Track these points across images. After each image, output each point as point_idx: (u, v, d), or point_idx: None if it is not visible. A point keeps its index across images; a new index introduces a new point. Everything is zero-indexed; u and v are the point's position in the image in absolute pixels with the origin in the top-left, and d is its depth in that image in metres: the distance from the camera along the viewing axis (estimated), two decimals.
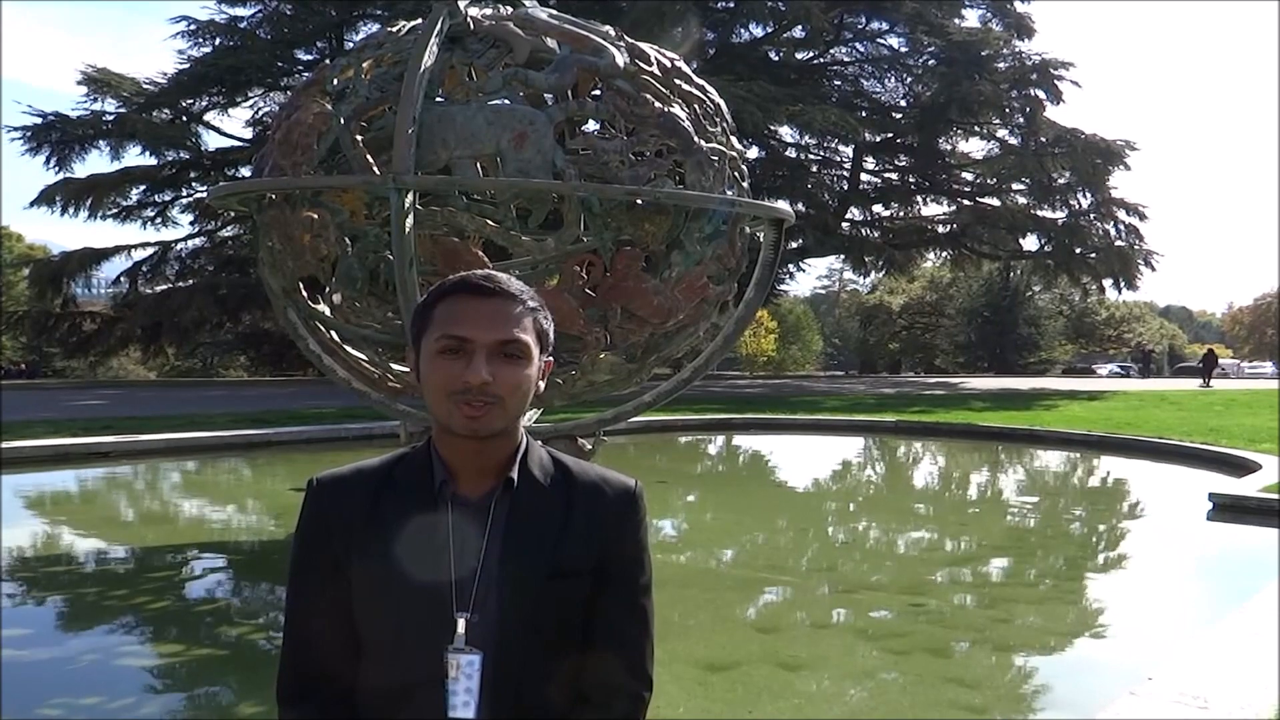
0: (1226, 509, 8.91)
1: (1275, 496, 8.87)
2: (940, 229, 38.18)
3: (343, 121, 6.23)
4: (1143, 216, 35.13)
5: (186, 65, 30.71)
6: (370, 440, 13.13)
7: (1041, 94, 32.61)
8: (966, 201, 36.58)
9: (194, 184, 32.38)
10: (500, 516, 1.47)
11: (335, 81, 6.56)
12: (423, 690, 1.41)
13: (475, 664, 1.40)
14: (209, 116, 32.22)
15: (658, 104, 6.21)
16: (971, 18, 34.59)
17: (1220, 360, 41.72)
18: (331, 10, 30.81)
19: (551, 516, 1.48)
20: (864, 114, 33.10)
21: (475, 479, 1.48)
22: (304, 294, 6.86)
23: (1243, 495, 9.11)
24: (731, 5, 33.00)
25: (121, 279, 34.61)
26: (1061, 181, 34.14)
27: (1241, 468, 11.16)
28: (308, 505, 1.51)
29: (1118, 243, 35.06)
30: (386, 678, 1.44)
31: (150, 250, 33.61)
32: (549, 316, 1.52)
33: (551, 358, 1.54)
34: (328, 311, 6.92)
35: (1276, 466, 10.58)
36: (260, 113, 31.81)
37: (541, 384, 1.50)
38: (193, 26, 31.02)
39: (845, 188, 35.95)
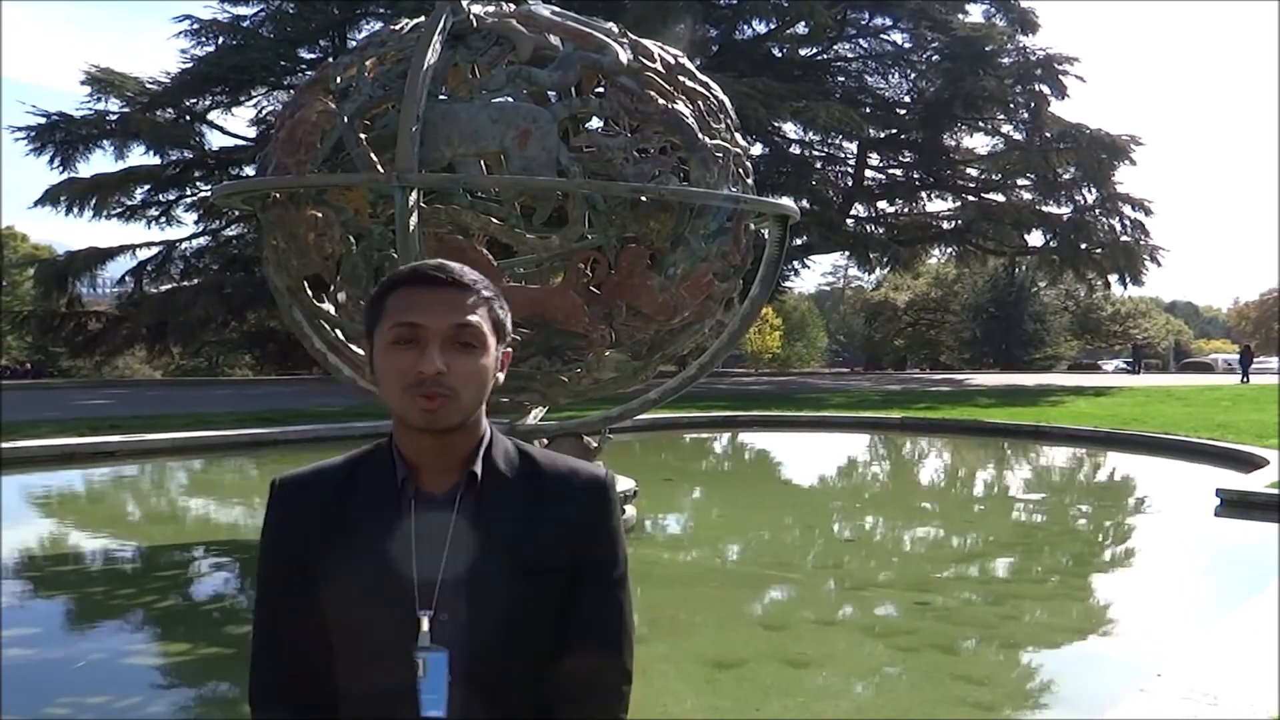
0: (1234, 505, 8.87)
1: None
2: (945, 225, 38.13)
3: (346, 120, 6.23)
4: (1148, 212, 35.05)
5: (190, 64, 30.76)
6: (375, 438, 13.10)
7: (1046, 89, 32.53)
8: (971, 197, 36.51)
9: (198, 183, 32.43)
10: (465, 513, 1.42)
11: (339, 80, 6.56)
12: (396, 693, 1.37)
13: (442, 661, 1.37)
14: (213, 116, 32.30)
15: (661, 101, 6.21)
16: (975, 13, 34.55)
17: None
18: (334, 8, 30.82)
19: (519, 511, 1.44)
20: (868, 110, 33.05)
21: (438, 475, 1.44)
22: (309, 292, 6.86)
23: (1250, 491, 9.07)
24: (735, 2, 32.96)
25: (126, 278, 34.70)
26: (1066, 177, 34.07)
27: (1249, 463, 11.11)
28: (271, 508, 1.48)
29: (1123, 238, 34.95)
30: (360, 680, 1.40)
31: (155, 249, 33.69)
32: (505, 306, 1.47)
33: (510, 348, 1.50)
34: (332, 310, 6.92)
35: None
36: (264, 112, 31.86)
37: (500, 376, 1.46)
38: (196, 26, 31.06)
39: (850, 184, 35.92)
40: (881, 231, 38.16)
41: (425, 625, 1.37)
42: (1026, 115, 32.94)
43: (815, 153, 35.56)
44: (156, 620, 5.58)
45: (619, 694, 1.49)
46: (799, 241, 32.30)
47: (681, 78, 6.52)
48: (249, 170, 28.80)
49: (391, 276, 1.44)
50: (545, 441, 6.68)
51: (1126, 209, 34.92)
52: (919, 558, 7.60)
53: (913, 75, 34.76)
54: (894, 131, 35.18)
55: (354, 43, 26.77)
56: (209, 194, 27.50)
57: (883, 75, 35.23)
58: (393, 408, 1.43)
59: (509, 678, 1.40)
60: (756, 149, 30.14)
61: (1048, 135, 32.77)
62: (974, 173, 36.77)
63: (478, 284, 1.43)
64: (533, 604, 1.41)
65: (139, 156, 31.48)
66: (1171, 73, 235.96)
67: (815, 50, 35.03)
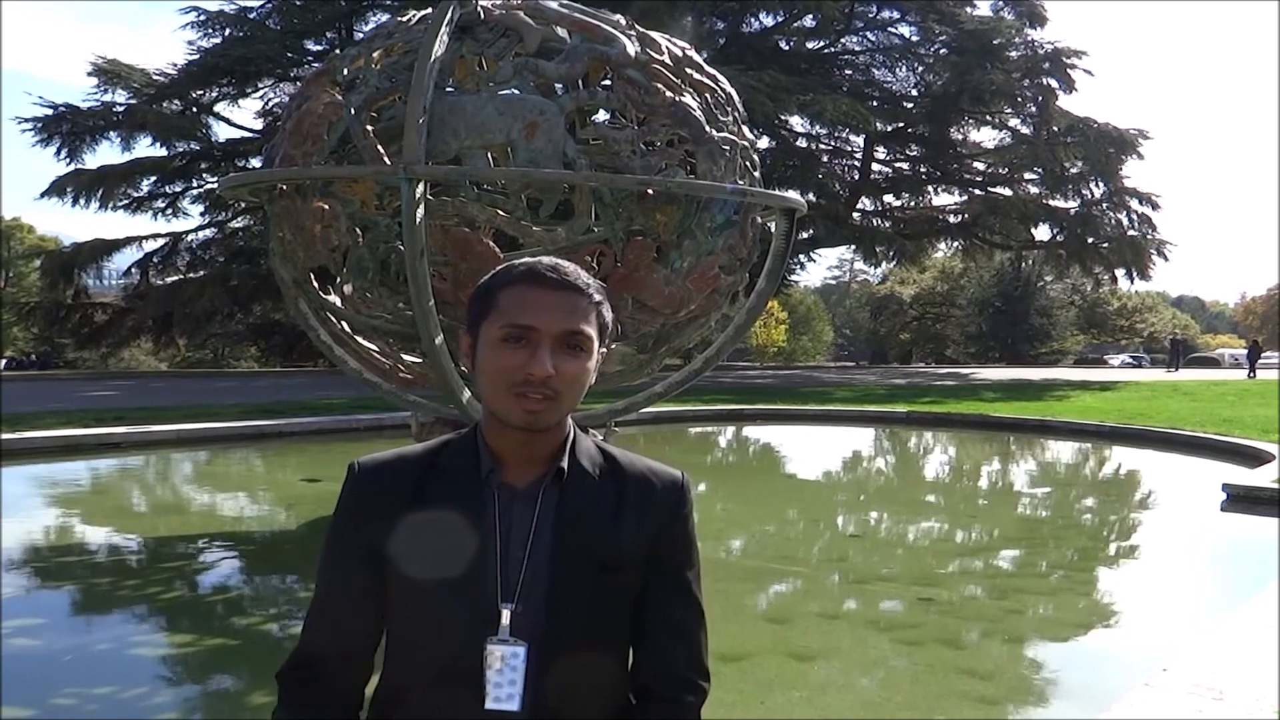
0: (1240, 500, 8.86)
1: None
2: (951, 219, 38.01)
3: (353, 111, 6.22)
4: (1155, 206, 34.93)
5: (196, 56, 30.76)
6: (381, 431, 13.15)
7: (1054, 83, 32.38)
8: (978, 191, 36.36)
9: (204, 175, 32.42)
10: (549, 506, 1.44)
11: (345, 71, 6.55)
12: (459, 683, 1.37)
13: (520, 656, 1.38)
14: (219, 107, 32.27)
15: (669, 93, 6.19)
16: (983, 6, 34.61)
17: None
18: (341, 0, 30.79)
19: (603, 507, 1.46)
20: (875, 103, 32.91)
21: (524, 467, 1.46)
22: (315, 285, 6.87)
23: (1256, 486, 9.06)
24: None
25: (132, 270, 34.71)
26: (1074, 171, 33.95)
27: (1255, 458, 11.10)
28: (348, 489, 1.48)
29: (1130, 232, 34.85)
30: (421, 670, 1.40)
31: (161, 241, 33.71)
32: (610, 308, 1.49)
33: (606, 349, 1.52)
34: (339, 302, 6.93)
35: None
36: (270, 103, 31.85)
37: (593, 377, 1.48)
38: (202, 17, 31.04)
39: (856, 178, 35.81)
40: (888, 225, 38.04)
41: (506, 618, 1.39)
42: (1034, 109, 32.82)
43: (822, 146, 35.45)
44: (161, 611, 5.59)
45: (702, 691, 1.52)
46: (805, 235, 32.26)
47: (689, 70, 6.51)
48: (255, 162, 28.83)
49: (504, 271, 1.44)
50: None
51: (1134, 203, 34.81)
52: (923, 552, 7.59)
53: (920, 69, 34.62)
54: (901, 125, 35.08)
55: (361, 35, 26.75)
56: (215, 186, 27.47)
57: (890, 69, 35.10)
58: (491, 403, 1.43)
59: (581, 672, 1.41)
60: (763, 142, 30.08)
61: (1055, 129, 32.65)
62: (981, 166, 36.63)
63: (590, 287, 1.44)
64: (611, 600, 1.45)
65: (145, 148, 31.49)
66: (1179, 67, 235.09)
67: (822, 43, 34.92)
